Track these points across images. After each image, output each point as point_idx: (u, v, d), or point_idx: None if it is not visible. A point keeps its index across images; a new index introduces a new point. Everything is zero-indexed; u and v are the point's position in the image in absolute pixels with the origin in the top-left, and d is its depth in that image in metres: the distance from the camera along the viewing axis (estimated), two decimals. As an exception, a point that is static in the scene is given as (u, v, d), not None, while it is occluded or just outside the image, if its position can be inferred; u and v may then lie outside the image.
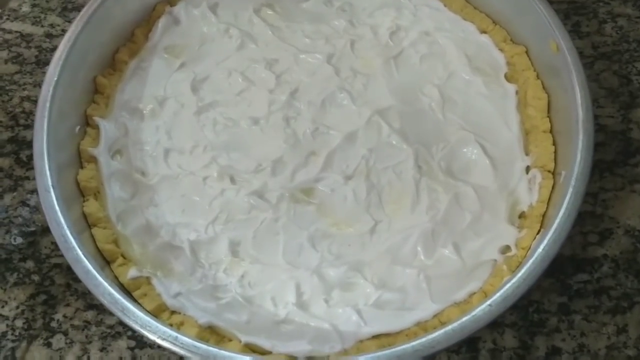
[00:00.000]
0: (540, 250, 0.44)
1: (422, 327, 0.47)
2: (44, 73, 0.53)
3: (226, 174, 0.54)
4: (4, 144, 0.62)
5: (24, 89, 0.66)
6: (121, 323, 0.52)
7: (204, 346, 0.42)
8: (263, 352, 0.46)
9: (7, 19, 0.71)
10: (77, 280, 0.46)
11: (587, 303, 0.53)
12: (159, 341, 0.42)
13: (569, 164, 0.48)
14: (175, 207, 0.53)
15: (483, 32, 0.62)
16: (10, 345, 0.52)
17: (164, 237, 0.51)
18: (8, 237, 0.57)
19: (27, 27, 0.70)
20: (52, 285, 0.55)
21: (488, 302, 0.42)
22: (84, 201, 0.52)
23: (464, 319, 0.42)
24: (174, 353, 0.43)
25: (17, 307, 0.54)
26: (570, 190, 0.46)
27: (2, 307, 0.54)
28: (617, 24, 0.69)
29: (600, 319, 0.53)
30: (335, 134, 0.56)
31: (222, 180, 0.54)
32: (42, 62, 0.68)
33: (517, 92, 0.58)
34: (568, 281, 0.54)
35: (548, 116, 0.55)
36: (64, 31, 0.54)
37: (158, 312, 0.48)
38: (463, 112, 0.58)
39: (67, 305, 0.54)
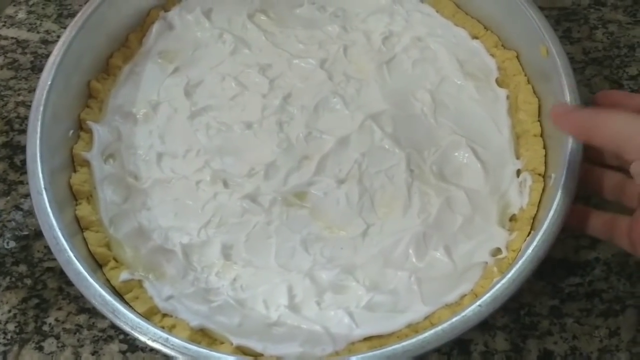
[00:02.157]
0: (529, 251, 0.44)
1: (413, 328, 0.47)
2: (39, 79, 0.53)
3: (219, 178, 0.54)
4: (-2, 149, 0.63)
5: (19, 95, 0.66)
6: (113, 327, 0.53)
7: (194, 347, 0.42)
8: (255, 355, 0.46)
9: (4, 25, 0.72)
10: (69, 284, 0.46)
11: (579, 306, 0.54)
12: (150, 342, 0.42)
13: (559, 167, 0.48)
14: (167, 210, 0.53)
15: (474, 37, 0.62)
16: (1, 348, 0.52)
17: (156, 241, 0.51)
18: (1, 241, 0.57)
19: (22, 34, 0.71)
20: (45, 289, 0.55)
21: (478, 303, 0.42)
22: (76, 204, 0.52)
23: (454, 319, 0.42)
24: (165, 356, 0.43)
25: (9, 311, 0.54)
26: (560, 191, 0.46)
27: (-6, 310, 0.54)
28: (608, 29, 0.69)
29: (592, 322, 0.53)
30: (328, 139, 0.56)
31: (215, 184, 0.54)
32: (38, 68, 0.68)
33: (508, 97, 0.58)
34: (560, 284, 0.54)
35: (539, 120, 0.55)
36: (59, 37, 0.55)
37: (150, 315, 0.47)
38: (455, 117, 0.58)
39: (59, 309, 0.54)
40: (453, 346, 0.52)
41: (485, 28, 0.62)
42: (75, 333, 0.53)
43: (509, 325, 0.53)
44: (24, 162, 0.61)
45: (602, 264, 0.55)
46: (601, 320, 0.53)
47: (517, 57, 0.59)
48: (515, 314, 0.53)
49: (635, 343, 0.52)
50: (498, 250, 0.50)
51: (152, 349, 0.43)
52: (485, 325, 0.50)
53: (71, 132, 0.55)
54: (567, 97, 0.51)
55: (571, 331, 0.52)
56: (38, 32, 0.71)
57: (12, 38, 0.70)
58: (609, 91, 0.50)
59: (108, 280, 0.49)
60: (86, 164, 0.54)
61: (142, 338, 0.42)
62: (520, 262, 0.44)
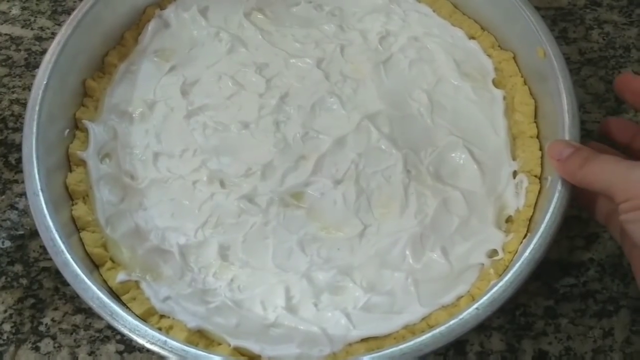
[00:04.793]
0: (526, 254, 0.45)
1: (410, 330, 0.47)
2: (34, 76, 0.53)
3: (216, 178, 0.54)
4: (-7, 147, 0.62)
5: (13, 92, 0.66)
6: (110, 327, 0.53)
7: (192, 350, 0.42)
8: (252, 356, 0.46)
9: (-3, 21, 0.71)
10: (65, 283, 0.46)
11: (574, 307, 0.54)
12: (148, 345, 0.42)
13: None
14: (164, 211, 0.53)
15: (471, 37, 0.62)
16: (-3, 349, 0.52)
17: (153, 241, 0.51)
18: (-4, 240, 0.57)
19: (16, 30, 0.70)
20: (41, 289, 0.55)
21: (475, 306, 0.43)
22: (72, 205, 0.52)
23: (452, 322, 0.42)
24: (162, 357, 0.43)
25: (5, 311, 0.54)
26: (557, 195, 0.47)
27: (-10, 311, 0.54)
28: (604, 30, 0.69)
29: (586, 323, 0.54)
30: (325, 139, 0.56)
31: (211, 184, 0.54)
32: (32, 65, 0.67)
33: (504, 98, 0.58)
34: (555, 285, 0.55)
35: (535, 122, 0.55)
36: (53, 34, 0.54)
37: (147, 316, 0.48)
38: (451, 117, 0.58)
39: (56, 309, 0.54)
40: (449, 347, 0.52)
41: (482, 28, 0.62)
42: (71, 333, 0.53)
43: (505, 326, 0.53)
44: (18, 160, 0.61)
45: (596, 265, 0.56)
46: (595, 321, 0.54)
47: (514, 58, 0.59)
48: (511, 314, 0.53)
49: (628, 343, 0.52)
50: (494, 252, 0.51)
51: (149, 350, 0.43)
52: (481, 325, 0.50)
53: (67, 131, 0.55)
54: (564, 100, 0.51)
55: (566, 331, 0.53)
56: (32, 29, 0.70)
57: (5, 35, 0.70)
58: (632, 77, 0.49)
59: (105, 281, 0.49)
60: (82, 163, 0.54)
61: (141, 341, 0.42)
62: (517, 265, 0.44)
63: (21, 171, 0.50)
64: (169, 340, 0.42)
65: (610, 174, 0.42)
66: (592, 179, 0.44)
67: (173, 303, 0.48)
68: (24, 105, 0.51)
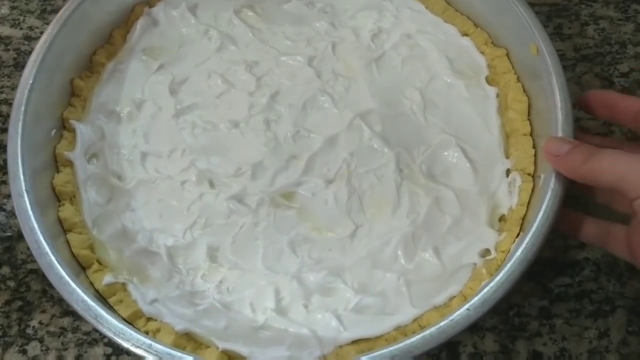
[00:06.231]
0: (518, 253, 0.44)
1: (402, 331, 0.47)
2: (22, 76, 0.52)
3: (205, 178, 0.54)
4: (-20, 148, 0.62)
5: (1, 92, 0.65)
6: (97, 330, 0.52)
7: (178, 353, 0.41)
8: (241, 359, 0.46)
9: (-15, 21, 0.70)
10: (53, 286, 0.45)
11: (569, 307, 0.53)
12: (132, 349, 0.41)
13: (548, 167, 0.47)
14: (152, 212, 0.52)
15: (464, 34, 0.62)
16: (-16, 353, 0.51)
17: (140, 243, 0.51)
18: (-17, 242, 0.56)
19: (5, 30, 0.70)
20: (28, 292, 0.54)
21: (466, 306, 0.42)
22: (59, 206, 0.51)
23: (442, 323, 0.42)
24: (147, 360, 0.43)
25: (-8, 314, 0.53)
26: (549, 193, 0.46)
27: (-24, 314, 0.53)
28: (599, 26, 0.69)
29: (581, 323, 0.53)
30: (317, 138, 0.56)
31: (200, 184, 0.53)
32: (21, 65, 0.67)
33: (498, 95, 0.57)
34: (549, 285, 0.54)
35: (528, 119, 0.55)
36: (42, 34, 0.54)
37: (134, 318, 0.47)
38: (444, 116, 0.57)
39: (43, 311, 0.53)
40: (442, 348, 0.51)
41: (475, 25, 0.61)
42: (59, 336, 0.52)
43: (498, 327, 0.52)
44: (6, 161, 0.60)
45: (591, 264, 0.55)
46: (591, 321, 0.53)
47: (507, 54, 0.58)
48: (504, 315, 0.53)
49: (625, 344, 0.52)
50: (487, 251, 0.50)
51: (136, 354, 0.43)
52: (474, 326, 0.49)
53: (54, 131, 0.54)
54: (557, 96, 0.50)
55: (560, 332, 0.52)
56: (21, 29, 0.69)
57: (-6, 34, 0.69)
58: (601, 92, 0.50)
59: (92, 284, 0.48)
60: (69, 164, 0.53)
61: (125, 344, 0.42)
62: (509, 265, 0.44)
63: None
64: (153, 343, 0.41)
65: (622, 167, 0.41)
66: (599, 173, 0.42)
67: (160, 306, 0.48)
68: (12, 105, 0.50)
